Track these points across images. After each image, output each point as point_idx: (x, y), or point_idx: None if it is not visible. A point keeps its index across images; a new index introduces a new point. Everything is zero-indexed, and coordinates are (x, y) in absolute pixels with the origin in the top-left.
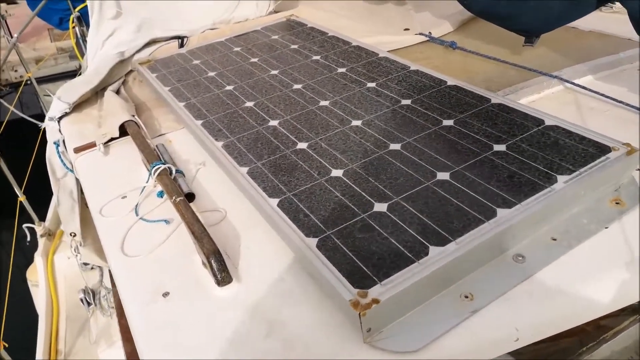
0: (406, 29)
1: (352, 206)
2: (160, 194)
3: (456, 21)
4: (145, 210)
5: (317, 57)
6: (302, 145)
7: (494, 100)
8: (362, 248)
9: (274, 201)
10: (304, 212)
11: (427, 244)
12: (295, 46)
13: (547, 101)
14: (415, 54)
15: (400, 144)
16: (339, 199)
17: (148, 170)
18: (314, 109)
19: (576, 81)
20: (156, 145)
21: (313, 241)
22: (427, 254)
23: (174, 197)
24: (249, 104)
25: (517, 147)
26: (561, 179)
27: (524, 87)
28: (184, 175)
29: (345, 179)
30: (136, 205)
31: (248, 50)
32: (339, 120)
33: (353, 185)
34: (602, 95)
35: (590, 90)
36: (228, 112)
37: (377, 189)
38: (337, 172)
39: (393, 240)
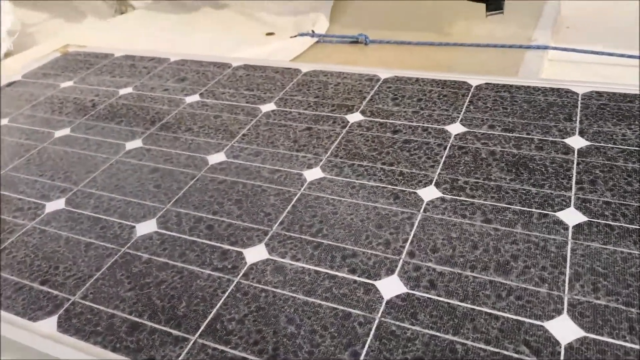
0: (270, 33)
1: None
2: None
3: (328, 12)
4: None
5: (197, 97)
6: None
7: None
8: None
9: None
10: None
11: None
12: (130, 89)
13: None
14: (324, 59)
15: None
16: None
17: None
18: None
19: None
20: None
21: None
22: None
23: None
24: None
25: None
26: None
27: (527, 68)
28: None
29: None
30: None
31: (30, 118)
32: None
33: None
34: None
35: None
36: None
37: None
38: None
39: None
